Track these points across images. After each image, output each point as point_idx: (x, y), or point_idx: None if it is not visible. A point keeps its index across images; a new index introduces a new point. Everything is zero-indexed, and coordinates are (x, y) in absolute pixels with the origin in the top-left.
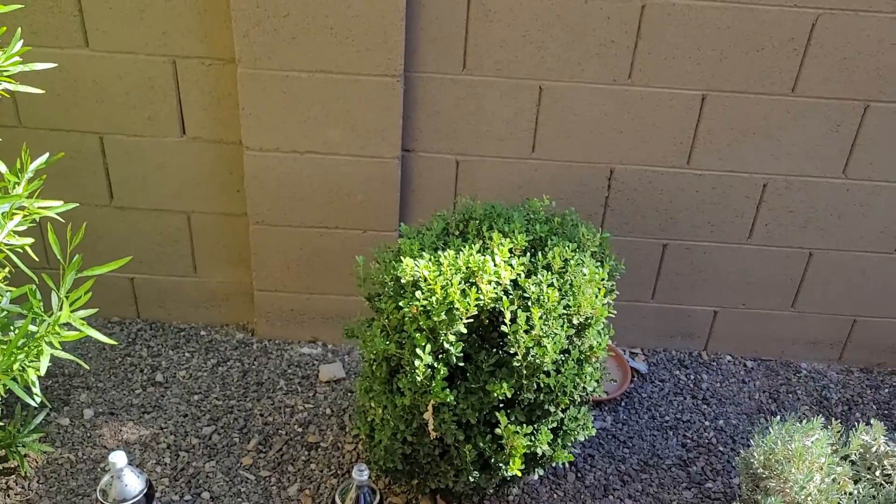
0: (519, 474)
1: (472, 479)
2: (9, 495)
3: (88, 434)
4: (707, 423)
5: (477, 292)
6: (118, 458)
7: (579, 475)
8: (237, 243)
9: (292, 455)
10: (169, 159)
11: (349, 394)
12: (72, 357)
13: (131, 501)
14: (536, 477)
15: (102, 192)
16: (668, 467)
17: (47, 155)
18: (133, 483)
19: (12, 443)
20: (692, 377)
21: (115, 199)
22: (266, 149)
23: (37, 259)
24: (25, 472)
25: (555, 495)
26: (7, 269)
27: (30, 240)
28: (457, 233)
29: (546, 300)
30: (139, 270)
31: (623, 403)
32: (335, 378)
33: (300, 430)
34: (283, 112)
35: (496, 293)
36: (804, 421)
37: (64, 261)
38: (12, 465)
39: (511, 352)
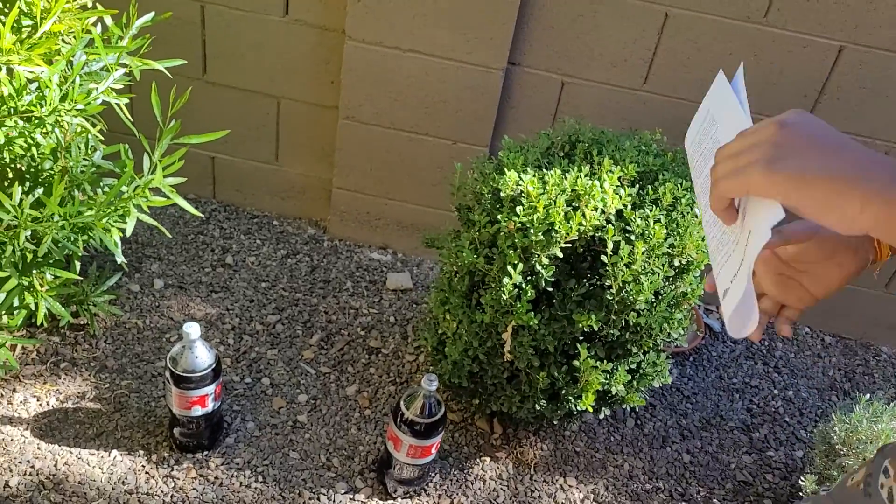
0: (590, 410)
1: (538, 408)
2: (76, 350)
3: (157, 303)
4: (776, 391)
5: (581, 217)
6: (192, 329)
7: (638, 423)
8: (323, 136)
9: (353, 356)
10: (267, 39)
11: (414, 305)
12: (155, 223)
13: (200, 374)
14: (602, 416)
15: (197, 64)
16: (731, 429)
17: (153, 13)
18: (203, 356)
19: (84, 300)
20: (766, 343)
21: (207, 74)
22: (369, 41)
23: (132, 120)
24: (94, 331)
25: (612, 438)
26: (100, 126)
27: (126, 99)
28: (562, 153)
29: (651, 236)
30: (221, 151)
31: (692, 359)
32: (402, 287)
33: (363, 333)
34: (393, 4)
35: (600, 221)
36: (892, 404)
37: (163, 124)
38: (82, 322)
39: (606, 284)
